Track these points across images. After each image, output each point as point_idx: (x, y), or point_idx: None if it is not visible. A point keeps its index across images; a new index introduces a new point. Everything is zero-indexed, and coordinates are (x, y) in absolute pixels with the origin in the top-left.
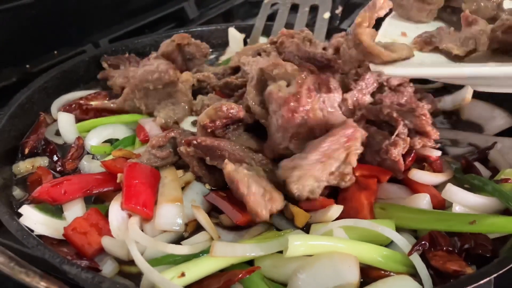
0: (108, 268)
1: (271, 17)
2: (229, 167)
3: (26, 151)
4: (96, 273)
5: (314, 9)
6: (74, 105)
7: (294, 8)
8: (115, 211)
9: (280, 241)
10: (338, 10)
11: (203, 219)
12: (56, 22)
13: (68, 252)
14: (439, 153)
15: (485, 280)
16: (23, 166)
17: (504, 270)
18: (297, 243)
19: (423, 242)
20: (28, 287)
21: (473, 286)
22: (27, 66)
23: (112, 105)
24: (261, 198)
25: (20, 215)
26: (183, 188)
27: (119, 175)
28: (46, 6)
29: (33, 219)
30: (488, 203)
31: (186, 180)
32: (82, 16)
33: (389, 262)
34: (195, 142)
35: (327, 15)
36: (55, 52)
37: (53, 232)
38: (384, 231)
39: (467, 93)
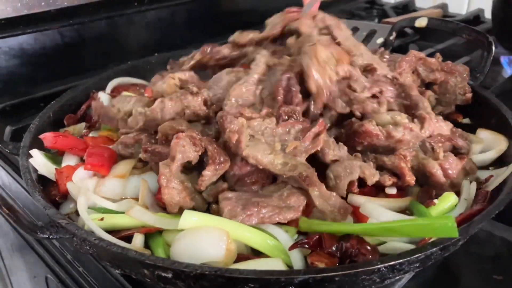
0: (67, 206)
1: None
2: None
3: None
4: (46, 202)
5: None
6: None
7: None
8: (81, 168)
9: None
10: (392, 36)
11: (142, 189)
12: (168, 30)
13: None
14: (394, 190)
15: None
16: (67, 130)
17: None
18: (188, 217)
19: (304, 241)
20: None
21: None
22: (129, 62)
23: None
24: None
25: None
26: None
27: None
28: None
29: (38, 161)
30: None
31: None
32: (189, 27)
33: (267, 248)
34: (149, 149)
35: (380, 40)
36: (156, 54)
37: (51, 174)
38: (267, 227)
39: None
